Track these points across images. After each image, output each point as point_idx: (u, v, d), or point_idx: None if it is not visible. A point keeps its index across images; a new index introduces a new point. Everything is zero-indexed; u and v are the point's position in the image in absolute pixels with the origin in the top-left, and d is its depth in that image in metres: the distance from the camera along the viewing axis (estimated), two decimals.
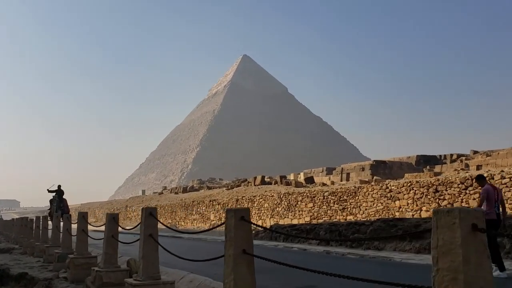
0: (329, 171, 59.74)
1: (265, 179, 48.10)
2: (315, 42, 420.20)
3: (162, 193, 67.84)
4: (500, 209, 10.03)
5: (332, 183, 43.65)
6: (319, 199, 27.15)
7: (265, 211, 31.75)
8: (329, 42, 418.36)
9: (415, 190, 21.68)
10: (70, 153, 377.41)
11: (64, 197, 25.64)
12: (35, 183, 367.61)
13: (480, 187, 10.55)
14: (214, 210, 37.75)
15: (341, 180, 51.13)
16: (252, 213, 33.00)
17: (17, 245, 22.76)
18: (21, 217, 28.09)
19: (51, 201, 24.79)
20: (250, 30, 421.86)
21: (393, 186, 22.89)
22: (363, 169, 53.60)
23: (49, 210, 24.76)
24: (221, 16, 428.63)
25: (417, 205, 21.46)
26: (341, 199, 25.71)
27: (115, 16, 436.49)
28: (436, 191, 20.38)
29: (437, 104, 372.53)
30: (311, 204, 27.85)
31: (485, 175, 16.16)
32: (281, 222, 28.67)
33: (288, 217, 29.02)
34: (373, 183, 25.60)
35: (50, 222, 20.53)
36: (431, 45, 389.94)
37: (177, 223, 41.36)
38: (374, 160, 54.90)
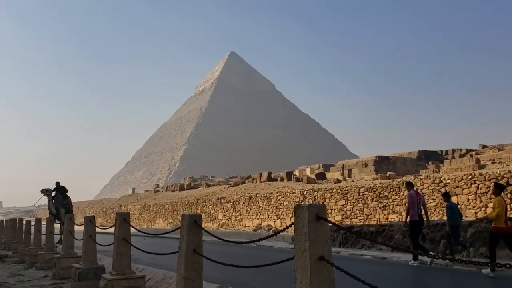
0: (326, 168, 57.11)
1: (272, 176, 44.99)
2: (303, 39, 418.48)
3: (158, 191, 64.27)
4: (423, 211, 12.60)
5: (345, 179, 40.63)
6: (353, 195, 24.10)
7: (285, 209, 28.64)
8: (317, 38, 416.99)
9: (478, 184, 18.75)
10: (53, 152, 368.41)
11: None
12: (17, 183, 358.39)
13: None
14: (223, 208, 34.54)
15: (343, 176, 48.38)
16: (269, 212, 29.89)
17: (11, 252, 19.33)
18: (11, 218, 24.63)
19: (52, 200, 21.31)
20: (237, 27, 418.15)
21: (448, 179, 19.91)
22: (366, 165, 51.31)
23: (49, 211, 21.27)
24: (208, 12, 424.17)
25: (481, 201, 18.52)
26: (381, 195, 22.69)
27: (99, 12, 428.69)
28: (508, 184, 17.44)
29: (426, 100, 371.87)
30: (342, 202, 24.79)
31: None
32: None
33: None
34: (422, 177, 22.58)
35: (56, 225, 17.28)
36: (423, 37, 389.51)
37: (179, 222, 37.98)
38: (377, 156, 52.49)
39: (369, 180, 31.03)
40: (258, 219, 30.69)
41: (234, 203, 33.61)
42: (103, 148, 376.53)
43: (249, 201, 31.85)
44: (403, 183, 21.36)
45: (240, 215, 32.35)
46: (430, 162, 51.47)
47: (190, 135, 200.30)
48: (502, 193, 10.69)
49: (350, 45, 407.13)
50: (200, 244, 5.65)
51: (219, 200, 35.32)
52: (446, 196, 13.48)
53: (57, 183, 22.02)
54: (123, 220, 7.95)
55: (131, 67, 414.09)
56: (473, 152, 50.70)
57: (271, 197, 29.99)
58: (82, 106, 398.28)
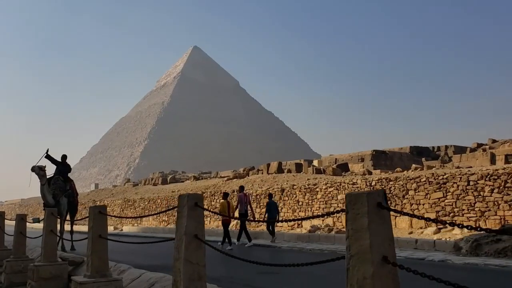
0: (310, 163, 51.88)
1: (282, 167, 38.55)
2: (269, 36, 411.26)
3: (138, 184, 56.41)
4: (249, 207, 18.07)
5: (369, 172, 34.62)
6: (460, 186, 17.81)
7: (340, 204, 22.11)
8: (285, 35, 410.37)
9: None
10: (1, 146, 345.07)
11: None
12: None
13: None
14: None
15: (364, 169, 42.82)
16: (314, 208, 23.31)
17: None
18: None
19: (48, 184, 13.87)
20: (201, 21, 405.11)
21: None
22: (362, 159, 46.97)
23: (44, 200, 13.85)
24: (171, 5, 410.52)
25: None
26: (506, 185, 16.54)
27: (56, 2, 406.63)
28: None
29: (400, 97, 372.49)
30: (438, 194, 18.48)
31: None
32: None
33: None
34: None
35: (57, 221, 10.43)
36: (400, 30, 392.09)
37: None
38: (374, 150, 48.19)
39: (479, 167, 24.94)
40: (296, 216, 24.05)
41: (257, 197, 26.87)
42: (55, 143, 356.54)
43: (282, 194, 25.17)
44: None
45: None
46: (423, 159, 47.98)
47: (151, 130, 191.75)
48: None
49: (318, 41, 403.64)
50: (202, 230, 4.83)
51: (235, 193, 28.41)
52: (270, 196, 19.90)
53: (63, 157, 14.64)
54: (98, 213, 7.00)
55: (87, 59, 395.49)
56: (486, 147, 46.44)
57: (317, 189, 23.39)
58: (33, 98, 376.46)
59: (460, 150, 49.50)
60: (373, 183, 20.91)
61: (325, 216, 21.21)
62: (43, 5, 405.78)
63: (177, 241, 4.85)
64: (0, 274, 11.44)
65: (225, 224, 17.28)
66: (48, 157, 14.35)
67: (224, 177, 43.32)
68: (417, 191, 19.25)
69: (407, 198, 19.57)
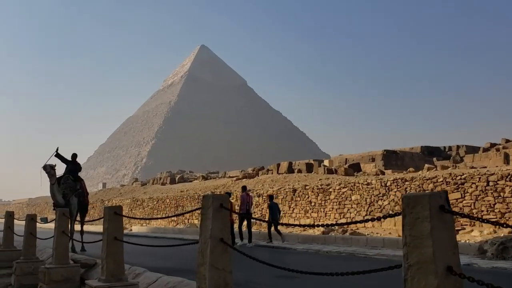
0: (320, 163, 51.41)
1: (292, 167, 38.11)
2: (277, 35, 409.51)
3: (146, 184, 56.14)
4: (251, 207, 19.18)
5: (381, 172, 34.07)
6: (479, 186, 17.31)
7: (354, 205, 21.70)
8: (291, 33, 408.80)
9: None
10: (8, 148, 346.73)
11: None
12: None
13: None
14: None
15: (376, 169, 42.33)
16: (327, 208, 22.85)
17: None
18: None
19: (57, 184, 13.53)
20: (208, 20, 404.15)
21: None
22: (373, 159, 46.46)
23: (54, 200, 13.50)
24: (179, 4, 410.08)
25: None
26: None
27: (65, 4, 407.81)
28: None
29: (408, 96, 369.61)
30: (457, 194, 17.97)
31: None
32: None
33: None
34: None
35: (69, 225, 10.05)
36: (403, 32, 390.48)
37: (194, 221, 30.43)
38: (384, 150, 47.65)
39: (497, 167, 24.47)
40: (309, 217, 23.66)
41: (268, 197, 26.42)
42: (64, 142, 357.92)
43: (294, 195, 24.73)
44: None
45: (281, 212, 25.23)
46: (435, 159, 47.50)
47: (158, 130, 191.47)
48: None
49: (325, 42, 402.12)
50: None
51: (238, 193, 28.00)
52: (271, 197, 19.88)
53: (74, 155, 14.29)
54: (113, 214, 6.64)
55: (95, 59, 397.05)
56: (499, 146, 45.90)
57: (330, 190, 22.93)
58: (41, 98, 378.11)
59: (471, 150, 48.96)
60: (388, 183, 20.46)
61: (381, 220, 20.82)
62: (46, 4, 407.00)
63: (201, 245, 4.52)
64: (9, 276, 11.11)
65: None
66: (58, 155, 14.02)
67: (233, 177, 42.93)
68: (433, 191, 18.75)
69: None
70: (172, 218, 33.53)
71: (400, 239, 14.64)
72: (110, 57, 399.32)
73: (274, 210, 18.87)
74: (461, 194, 17.86)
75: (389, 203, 20.27)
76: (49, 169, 13.08)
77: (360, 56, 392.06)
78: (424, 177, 19.46)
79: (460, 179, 18.05)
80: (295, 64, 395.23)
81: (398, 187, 20.00)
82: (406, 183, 19.82)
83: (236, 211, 18.39)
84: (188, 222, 30.82)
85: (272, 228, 18.76)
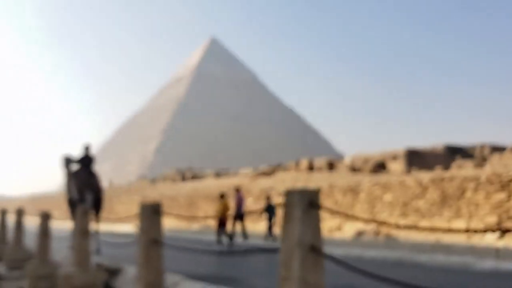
0: (337, 162, 50.36)
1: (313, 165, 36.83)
2: (288, 27, 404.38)
3: (155, 181, 55.02)
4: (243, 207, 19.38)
5: (409, 171, 32.69)
6: None
7: (387, 206, 20.32)
8: (304, 25, 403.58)
9: None
10: (4, 139, 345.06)
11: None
12: None
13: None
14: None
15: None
16: (356, 210, 21.48)
17: None
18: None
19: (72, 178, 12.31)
20: (218, 12, 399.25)
21: None
22: (395, 158, 45.32)
23: (69, 195, 12.31)
24: None
25: None
26: None
27: None
28: None
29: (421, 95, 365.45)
30: (502, 195, 16.63)
31: None
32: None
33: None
34: None
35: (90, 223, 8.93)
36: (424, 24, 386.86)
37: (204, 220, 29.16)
38: (407, 149, 46.65)
39: None
40: (335, 218, 22.30)
41: None
42: (67, 138, 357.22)
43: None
44: None
45: None
46: (458, 158, 46.26)
47: (166, 125, 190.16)
48: None
49: (343, 33, 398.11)
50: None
51: (264, 192, 26.73)
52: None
53: (86, 148, 13.05)
54: (152, 213, 5.80)
55: (100, 51, 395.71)
56: None
57: (359, 189, 21.57)
58: (44, 93, 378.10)
59: (496, 149, 47.68)
60: (424, 182, 19.06)
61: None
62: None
63: (285, 253, 3.65)
64: (21, 278, 9.97)
65: (222, 224, 18.35)
66: (67, 162, 12.76)
67: (246, 174, 41.63)
68: (476, 191, 17.38)
69: (464, 199, 17.71)
70: (185, 218, 32.28)
71: (451, 243, 13.40)
72: (116, 50, 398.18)
73: (271, 211, 19.94)
74: (507, 195, 16.47)
75: (425, 203, 18.91)
76: (67, 162, 11.88)
77: (380, 49, 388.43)
78: (465, 176, 18.04)
79: (506, 177, 16.64)
80: (310, 58, 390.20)
81: (436, 186, 18.61)
82: (445, 182, 18.42)
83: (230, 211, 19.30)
84: (203, 222, 29.57)
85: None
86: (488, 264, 10.77)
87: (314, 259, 3.61)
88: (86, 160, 13.10)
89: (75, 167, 12.88)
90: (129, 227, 31.79)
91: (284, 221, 3.72)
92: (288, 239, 3.64)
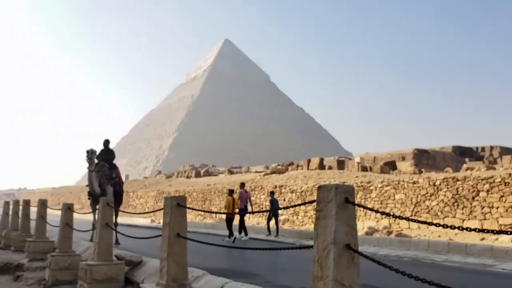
0: (347, 161, 50.22)
1: (324, 163, 36.89)
2: (300, 30, 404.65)
3: (171, 177, 55.50)
4: (248, 202, 19.23)
5: (419, 171, 32.60)
6: None
7: (398, 205, 20.38)
8: (315, 29, 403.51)
9: None
10: (28, 134, 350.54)
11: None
12: None
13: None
14: (283, 200, 26.26)
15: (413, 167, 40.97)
16: (370, 202, 21.52)
17: None
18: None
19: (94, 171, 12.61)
20: (232, 13, 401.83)
21: None
22: (403, 158, 45.06)
23: (91, 188, 12.60)
24: None
25: None
26: None
27: None
28: None
29: (427, 95, 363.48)
30: None
31: None
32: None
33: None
34: None
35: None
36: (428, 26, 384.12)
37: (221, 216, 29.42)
38: (415, 149, 46.36)
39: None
40: None
41: (302, 193, 25.27)
42: (86, 134, 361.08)
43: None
44: None
45: (313, 209, 24.06)
46: (467, 159, 45.90)
47: (180, 123, 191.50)
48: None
49: (352, 36, 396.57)
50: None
51: (278, 189, 26.91)
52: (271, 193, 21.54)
53: (106, 142, 13.35)
54: (176, 206, 5.77)
55: (118, 51, 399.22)
56: None
57: (371, 188, 21.67)
58: (65, 90, 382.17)
59: (505, 151, 47.31)
60: (438, 182, 19.10)
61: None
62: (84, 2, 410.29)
63: (319, 252, 3.43)
64: (43, 269, 10.19)
65: (229, 219, 18.42)
66: (103, 149, 13.07)
67: (260, 172, 41.84)
68: (490, 192, 17.38)
69: (478, 200, 17.71)
70: (199, 212, 32.62)
71: (468, 244, 13.41)
72: (132, 50, 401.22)
73: (274, 205, 20.19)
74: None
75: (437, 204, 18.94)
76: (90, 155, 12.18)
77: (389, 52, 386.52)
78: (479, 176, 18.02)
79: None
80: (320, 59, 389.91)
81: (449, 187, 18.62)
82: (458, 182, 18.43)
83: (238, 207, 18.98)
84: (216, 216, 29.86)
85: (272, 222, 20.44)
86: (508, 266, 10.76)
87: (350, 258, 3.42)
88: (107, 154, 13.41)
89: (97, 160, 13.17)
90: (146, 221, 32.23)
91: (317, 218, 3.53)
92: (321, 237, 3.46)
